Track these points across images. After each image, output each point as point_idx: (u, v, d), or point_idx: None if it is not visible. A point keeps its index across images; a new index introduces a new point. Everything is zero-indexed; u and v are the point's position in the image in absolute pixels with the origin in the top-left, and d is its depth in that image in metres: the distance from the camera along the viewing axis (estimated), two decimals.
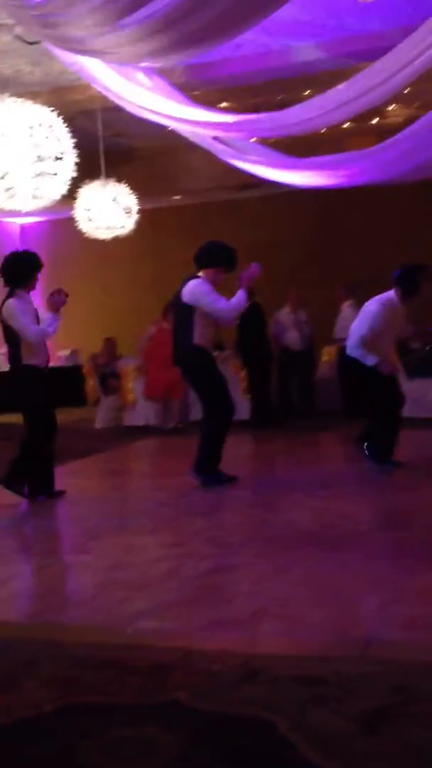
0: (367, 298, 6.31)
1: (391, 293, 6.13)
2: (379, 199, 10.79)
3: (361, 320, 6.14)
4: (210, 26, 5.66)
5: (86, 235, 8.83)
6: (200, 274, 6.20)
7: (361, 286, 10.44)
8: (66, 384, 11.50)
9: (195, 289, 6.07)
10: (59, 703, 2.53)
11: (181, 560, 4.12)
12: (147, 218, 9.57)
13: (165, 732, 2.31)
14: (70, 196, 8.06)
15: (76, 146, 7.00)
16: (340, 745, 2.18)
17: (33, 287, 5.95)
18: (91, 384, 10.98)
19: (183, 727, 2.34)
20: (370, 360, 5.92)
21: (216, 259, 6.21)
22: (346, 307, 10.28)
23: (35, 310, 5.96)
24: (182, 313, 6.15)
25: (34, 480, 5.90)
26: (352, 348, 6.07)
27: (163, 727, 2.34)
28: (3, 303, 5.82)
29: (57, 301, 5.84)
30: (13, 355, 5.84)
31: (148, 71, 6.99)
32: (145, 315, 11.06)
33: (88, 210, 8.51)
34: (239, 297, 6.07)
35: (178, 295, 6.22)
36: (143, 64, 6.75)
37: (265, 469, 7.29)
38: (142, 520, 5.21)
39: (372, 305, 6.12)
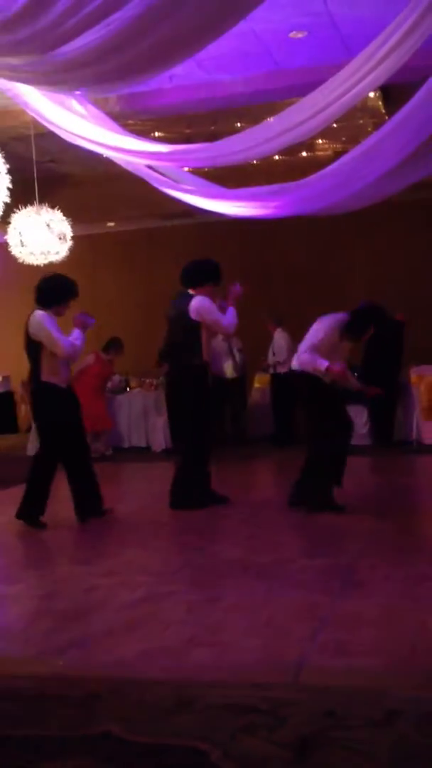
0: (297, 326, 6.33)
1: (342, 316, 5.95)
2: (309, 230, 11.00)
3: (313, 330, 5.95)
4: (144, 58, 5.74)
5: (19, 260, 8.77)
6: (192, 292, 6.32)
7: (288, 314, 10.64)
8: None
9: (200, 306, 6.20)
10: None
11: (113, 589, 4.10)
12: (81, 244, 9.56)
13: (97, 764, 2.29)
14: (3, 221, 8.01)
15: (10, 171, 6.98)
16: None
17: (62, 313, 5.92)
18: (24, 410, 10.87)
19: (115, 758, 2.33)
20: (321, 363, 5.68)
21: (209, 276, 6.37)
22: (277, 334, 10.42)
23: None
24: (186, 331, 6.25)
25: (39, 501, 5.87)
26: (300, 355, 5.86)
27: (96, 759, 2.32)
28: (30, 315, 5.80)
29: (85, 319, 5.82)
30: (34, 372, 5.81)
31: (82, 99, 7.03)
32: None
33: (21, 235, 8.46)
34: (231, 313, 6.31)
35: (181, 314, 6.29)
36: (77, 92, 6.80)
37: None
38: (74, 550, 5.17)
39: (326, 318, 5.96)
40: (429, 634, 3.24)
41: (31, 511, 5.83)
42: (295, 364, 6.04)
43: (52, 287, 5.89)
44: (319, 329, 5.89)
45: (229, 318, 6.34)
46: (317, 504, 5.78)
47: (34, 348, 5.77)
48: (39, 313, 5.73)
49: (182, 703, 2.65)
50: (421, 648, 3.09)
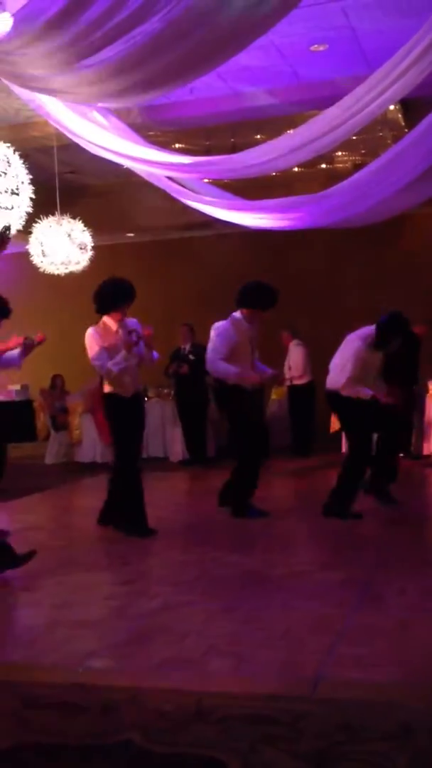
0: (313, 338, 6.40)
1: (372, 330, 6.07)
2: (327, 241, 11.01)
3: (344, 355, 6.08)
4: (166, 71, 5.80)
5: (41, 270, 8.85)
6: (237, 313, 6.44)
7: (306, 326, 10.64)
8: (16, 419, 11.42)
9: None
10: (8, 743, 2.52)
11: (131, 598, 4.13)
12: (102, 255, 9.63)
13: None
14: (25, 230, 8.09)
15: (32, 182, 7.06)
16: None
17: (122, 317, 5.87)
18: (42, 419, 10.93)
19: (134, 767, 2.35)
20: (365, 393, 5.90)
21: (244, 299, 6.43)
22: (293, 346, 10.43)
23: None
24: None
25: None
26: (342, 385, 6.00)
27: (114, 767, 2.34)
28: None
29: (134, 340, 5.80)
30: (99, 383, 5.96)
31: (104, 111, 7.11)
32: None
33: (43, 245, 8.54)
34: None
35: None
36: (100, 105, 6.87)
37: (210, 506, 7.32)
38: (91, 558, 5.20)
39: (354, 339, 6.07)
40: None
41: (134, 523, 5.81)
42: (333, 385, 6.10)
43: (108, 292, 5.87)
44: (348, 358, 5.99)
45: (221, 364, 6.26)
46: (342, 510, 5.97)
47: None
48: (89, 330, 5.83)
49: (201, 713, 2.67)
50: None
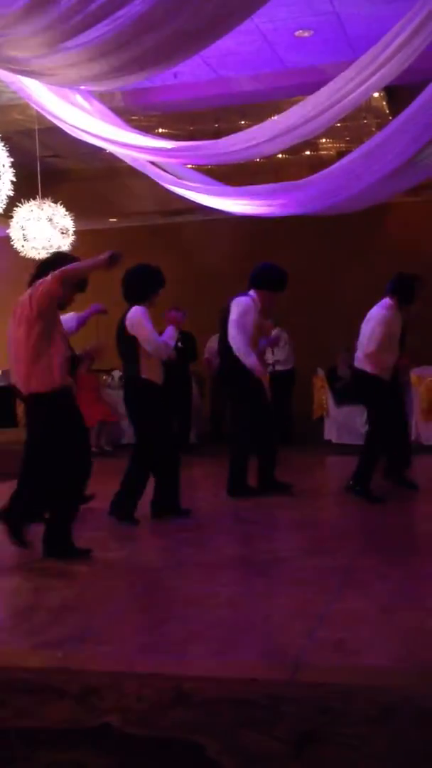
0: (299, 325, 6.48)
1: (387, 300, 6.28)
2: (312, 228, 11.00)
3: (369, 332, 6.22)
4: (149, 54, 5.75)
5: (22, 254, 8.78)
6: (251, 292, 6.52)
7: (292, 313, 10.64)
8: None
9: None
10: None
11: (112, 583, 4.12)
12: (84, 240, 9.57)
13: (96, 756, 2.31)
14: (6, 214, 8.02)
15: (13, 165, 6.99)
16: (269, 767, 2.21)
17: (153, 305, 5.69)
18: (22, 405, 10.88)
19: (114, 751, 2.34)
20: (386, 362, 6.12)
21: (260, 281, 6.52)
22: (275, 332, 10.42)
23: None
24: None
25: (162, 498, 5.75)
26: (366, 357, 6.18)
27: (94, 752, 2.34)
28: (127, 311, 5.60)
29: (178, 316, 5.78)
30: (130, 369, 5.62)
31: (87, 94, 7.05)
32: (79, 338, 11.05)
33: (24, 229, 8.47)
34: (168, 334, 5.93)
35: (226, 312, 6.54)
36: (82, 88, 6.81)
37: (194, 493, 7.32)
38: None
39: (375, 316, 6.22)
40: (425, 632, 3.26)
41: (165, 504, 5.74)
42: (361, 365, 6.24)
43: (141, 280, 5.67)
44: (374, 326, 6.14)
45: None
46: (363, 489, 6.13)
47: (129, 344, 5.55)
48: (136, 308, 5.52)
49: (181, 696, 2.67)
50: (417, 646, 3.11)
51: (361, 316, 6.72)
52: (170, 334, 5.76)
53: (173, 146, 7.31)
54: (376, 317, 6.21)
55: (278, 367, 10.27)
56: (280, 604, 3.69)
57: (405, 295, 6.25)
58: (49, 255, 4.98)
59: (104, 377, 10.96)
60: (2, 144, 6.86)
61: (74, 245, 8.85)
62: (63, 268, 4.48)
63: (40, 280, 4.53)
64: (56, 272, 4.44)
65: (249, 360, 6.38)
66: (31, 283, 4.69)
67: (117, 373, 11.28)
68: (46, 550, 4.58)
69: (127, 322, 5.53)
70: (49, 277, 4.46)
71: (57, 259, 4.93)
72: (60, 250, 8.66)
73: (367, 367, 6.12)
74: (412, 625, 3.35)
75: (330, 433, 10.07)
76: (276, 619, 3.47)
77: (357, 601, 3.69)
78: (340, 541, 4.97)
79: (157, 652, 3.13)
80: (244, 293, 6.54)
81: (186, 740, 2.38)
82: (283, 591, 3.92)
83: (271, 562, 4.47)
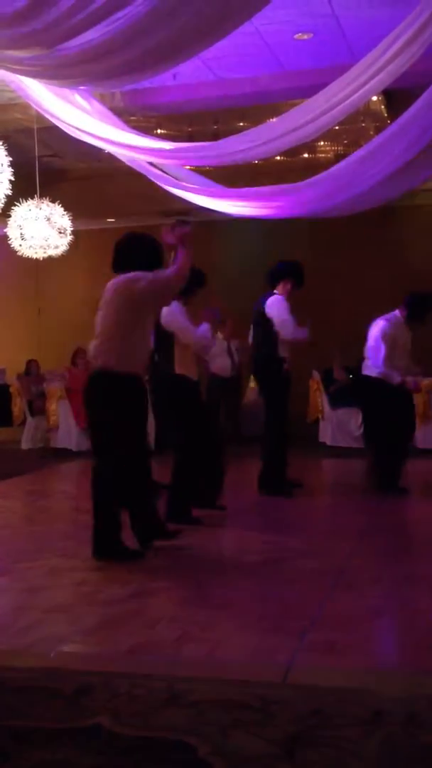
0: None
1: (396, 313, 6.53)
2: (311, 231, 11.01)
3: (371, 341, 6.49)
4: (148, 55, 5.76)
5: (19, 253, 8.77)
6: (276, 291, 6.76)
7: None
8: None
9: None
10: None
11: (103, 584, 4.12)
12: (82, 240, 9.57)
13: (86, 756, 2.31)
14: (4, 213, 8.02)
15: (12, 165, 6.99)
16: None
17: (188, 304, 5.72)
18: (18, 404, 10.88)
19: (104, 751, 2.34)
20: (396, 377, 6.31)
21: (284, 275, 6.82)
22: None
23: None
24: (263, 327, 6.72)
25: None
26: (373, 368, 6.43)
27: (84, 751, 2.34)
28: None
29: (213, 314, 5.80)
30: (164, 364, 5.61)
31: (86, 94, 7.05)
32: (74, 336, 11.07)
33: (22, 228, 8.46)
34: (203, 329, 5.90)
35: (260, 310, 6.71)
36: (81, 88, 6.81)
37: None
38: (65, 543, 5.18)
39: (381, 326, 6.47)
40: (416, 634, 3.27)
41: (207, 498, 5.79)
42: (371, 372, 6.50)
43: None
44: (377, 339, 6.41)
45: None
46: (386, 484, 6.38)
47: (165, 339, 5.55)
48: (174, 304, 5.50)
49: (172, 697, 2.67)
50: (408, 648, 3.11)
51: (356, 320, 6.78)
52: (204, 329, 5.71)
53: (172, 147, 7.32)
54: (377, 329, 6.42)
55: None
56: (273, 606, 3.69)
57: (413, 312, 6.46)
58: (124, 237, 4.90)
59: None
60: (1, 143, 6.86)
61: (71, 245, 8.85)
62: (154, 281, 4.58)
63: (137, 276, 4.60)
64: (149, 283, 4.58)
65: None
66: (114, 265, 4.80)
67: None
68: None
69: (163, 320, 5.52)
70: (144, 283, 4.57)
71: (131, 241, 4.91)
72: (57, 249, 8.65)
73: (374, 373, 6.28)
74: (403, 627, 3.36)
75: (325, 436, 10.07)
76: (268, 621, 3.47)
77: (349, 603, 3.70)
78: (333, 542, 4.97)
79: (150, 652, 3.13)
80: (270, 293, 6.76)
81: (177, 741, 2.38)
82: (276, 592, 3.92)
83: (265, 562, 4.48)
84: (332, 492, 6.44)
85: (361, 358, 6.67)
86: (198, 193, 8.00)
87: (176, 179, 7.94)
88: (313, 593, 3.86)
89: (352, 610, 3.59)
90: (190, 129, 9.52)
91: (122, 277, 4.67)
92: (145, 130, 8.10)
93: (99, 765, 2.26)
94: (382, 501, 6.20)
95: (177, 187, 8.01)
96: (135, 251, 4.79)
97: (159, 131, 9.43)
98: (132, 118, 8.46)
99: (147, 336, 4.77)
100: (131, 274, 4.63)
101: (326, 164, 8.61)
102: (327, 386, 10.24)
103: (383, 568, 4.32)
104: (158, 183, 8.08)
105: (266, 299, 6.71)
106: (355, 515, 5.89)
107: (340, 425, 9.91)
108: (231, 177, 9.08)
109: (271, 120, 7.36)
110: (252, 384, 11.19)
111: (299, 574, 4.25)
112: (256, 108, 8.66)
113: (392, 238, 11.78)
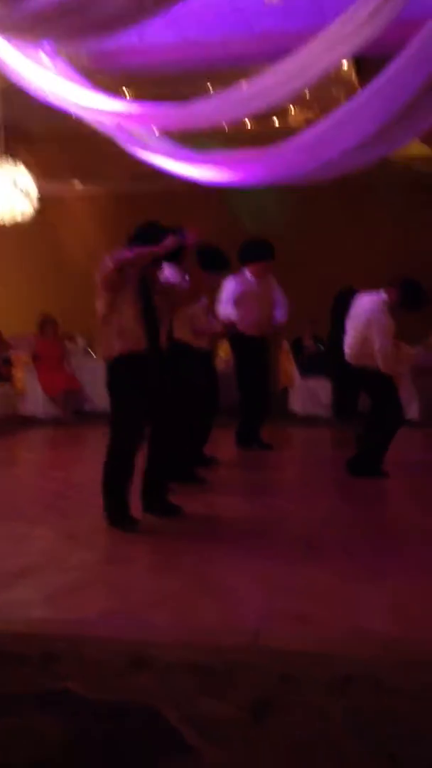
0: None
1: (383, 295, 5.97)
2: (281, 200, 10.94)
3: (358, 330, 6.02)
4: (114, 13, 5.63)
5: None
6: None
7: None
8: None
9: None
10: None
11: (72, 551, 4.10)
12: (48, 204, 9.41)
13: (54, 721, 2.31)
14: None
15: None
16: (227, 733, 2.23)
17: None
18: None
19: (72, 716, 2.34)
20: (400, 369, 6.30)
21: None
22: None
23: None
24: None
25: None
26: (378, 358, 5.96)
27: (53, 717, 2.33)
28: None
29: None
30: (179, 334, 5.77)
31: (52, 54, 6.89)
32: (40, 303, 10.96)
33: None
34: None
35: None
36: (46, 46, 6.66)
37: None
38: (33, 510, 5.14)
39: (368, 309, 5.98)
40: (382, 602, 3.30)
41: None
42: (358, 361, 6.06)
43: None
44: (367, 328, 5.93)
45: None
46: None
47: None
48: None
49: (140, 663, 2.67)
50: (374, 615, 3.14)
51: (327, 289, 6.69)
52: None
53: (139, 109, 7.20)
54: (371, 319, 5.94)
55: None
56: (242, 574, 3.70)
57: (407, 300, 5.96)
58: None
59: (68, 344, 10.85)
60: None
61: (37, 210, 8.71)
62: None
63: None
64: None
65: None
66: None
67: (81, 340, 11.18)
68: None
69: None
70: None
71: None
72: (23, 214, 8.51)
73: (368, 361, 5.98)
74: (369, 596, 3.39)
75: (295, 404, 10.10)
76: (237, 589, 3.48)
77: (319, 572, 3.72)
78: (303, 513, 4.99)
79: (118, 618, 3.12)
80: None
81: (145, 706, 2.39)
82: (246, 561, 3.93)
83: (235, 532, 4.49)
84: (303, 461, 6.46)
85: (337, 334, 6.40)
86: (167, 157, 7.90)
87: (144, 143, 7.82)
88: (283, 562, 3.88)
89: (321, 578, 3.61)
90: (158, 91, 9.35)
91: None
92: (112, 92, 7.94)
93: (67, 730, 2.26)
94: (354, 475, 6.22)
95: (145, 150, 7.89)
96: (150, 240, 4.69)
97: (126, 93, 9.26)
98: (98, 78, 8.29)
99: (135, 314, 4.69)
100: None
101: (297, 131, 8.52)
102: (296, 355, 10.26)
103: (353, 537, 4.35)
104: (126, 147, 7.96)
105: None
106: (326, 484, 5.92)
107: (310, 394, 9.94)
108: (201, 143, 8.96)
109: (240, 83, 7.24)
110: (222, 354, 11.22)
111: (270, 543, 4.26)
112: (225, 71, 8.52)
113: (365, 208, 11.75)
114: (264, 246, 7.35)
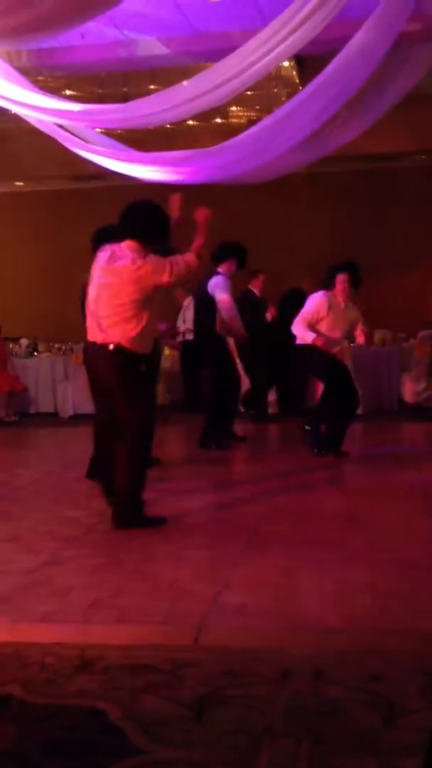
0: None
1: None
2: (224, 197, 10.96)
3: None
4: (54, 12, 5.60)
5: None
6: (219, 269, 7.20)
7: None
8: None
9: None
10: None
11: (14, 554, 4.07)
12: None
13: None
14: None
15: None
16: (170, 730, 2.24)
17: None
18: None
19: (14, 720, 2.33)
20: (309, 336, 6.37)
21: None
22: (186, 302, 10.41)
23: None
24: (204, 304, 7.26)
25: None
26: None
27: None
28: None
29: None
30: (208, 325, 7.01)
31: None
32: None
33: None
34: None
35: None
36: None
37: None
38: None
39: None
40: (324, 595, 3.34)
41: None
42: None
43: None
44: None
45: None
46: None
47: (209, 304, 7.02)
48: (221, 276, 6.91)
49: (83, 664, 2.67)
50: (315, 608, 3.18)
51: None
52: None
53: (80, 109, 7.15)
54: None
55: (188, 336, 10.25)
56: (185, 570, 3.71)
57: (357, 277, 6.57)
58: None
59: (11, 346, 10.74)
60: None
61: None
62: (179, 274, 4.55)
63: (157, 266, 4.49)
64: (175, 277, 4.56)
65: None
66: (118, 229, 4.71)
67: (24, 342, 11.06)
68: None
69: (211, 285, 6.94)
70: (167, 278, 4.51)
71: (143, 210, 4.77)
72: None
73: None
74: (310, 588, 3.43)
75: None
76: (180, 585, 3.49)
77: (260, 565, 3.75)
78: (244, 506, 5.03)
79: (61, 621, 3.11)
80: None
81: (88, 707, 2.39)
82: (188, 556, 3.95)
83: (177, 528, 4.49)
84: (248, 455, 6.48)
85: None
86: (108, 157, 7.86)
87: (86, 142, 7.78)
88: (225, 556, 3.90)
89: (263, 571, 3.64)
90: (99, 91, 9.32)
91: (140, 264, 4.43)
92: (53, 91, 7.90)
93: (9, 735, 2.24)
94: (292, 464, 6.28)
95: (87, 151, 7.85)
96: (150, 222, 4.61)
97: (67, 92, 9.21)
98: (39, 78, 8.22)
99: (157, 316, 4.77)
100: (150, 262, 4.46)
101: (239, 130, 8.54)
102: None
103: (292, 529, 4.40)
104: (67, 146, 7.90)
105: (210, 279, 7.10)
106: (269, 478, 5.95)
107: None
108: (143, 141, 8.96)
109: (181, 83, 7.25)
110: (167, 352, 11.19)
111: (212, 538, 4.29)
112: (167, 70, 8.53)
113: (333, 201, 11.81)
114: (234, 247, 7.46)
